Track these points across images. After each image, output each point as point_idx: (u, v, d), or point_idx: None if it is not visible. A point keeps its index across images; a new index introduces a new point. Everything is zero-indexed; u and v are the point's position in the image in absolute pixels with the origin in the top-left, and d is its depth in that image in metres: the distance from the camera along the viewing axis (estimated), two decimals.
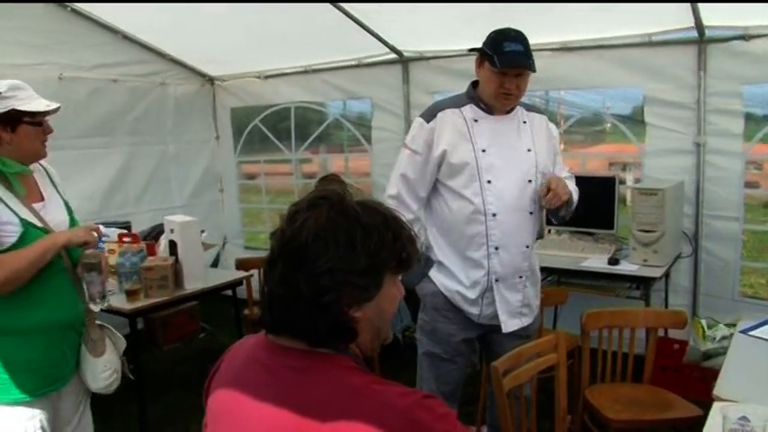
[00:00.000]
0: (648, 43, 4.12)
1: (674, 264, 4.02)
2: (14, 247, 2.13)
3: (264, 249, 6.24)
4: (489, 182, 2.55)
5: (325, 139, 6.05)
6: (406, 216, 2.66)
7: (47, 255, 2.16)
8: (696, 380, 3.64)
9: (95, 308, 2.38)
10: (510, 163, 2.59)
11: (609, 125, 4.94)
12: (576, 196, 2.73)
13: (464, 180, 2.58)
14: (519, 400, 2.32)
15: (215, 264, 6.07)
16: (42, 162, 2.40)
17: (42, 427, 2.26)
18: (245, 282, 4.32)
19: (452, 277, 2.67)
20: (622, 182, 4.40)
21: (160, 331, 5.18)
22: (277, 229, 1.18)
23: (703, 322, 3.88)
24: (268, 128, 6.02)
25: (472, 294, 2.63)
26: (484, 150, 2.57)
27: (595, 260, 3.94)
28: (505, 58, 2.45)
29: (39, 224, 2.21)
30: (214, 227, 6.04)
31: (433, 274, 2.71)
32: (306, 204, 1.16)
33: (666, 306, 4.12)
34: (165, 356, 5.02)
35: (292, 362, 1.16)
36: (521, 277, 2.66)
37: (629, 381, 3.07)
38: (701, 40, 3.91)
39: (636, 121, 4.46)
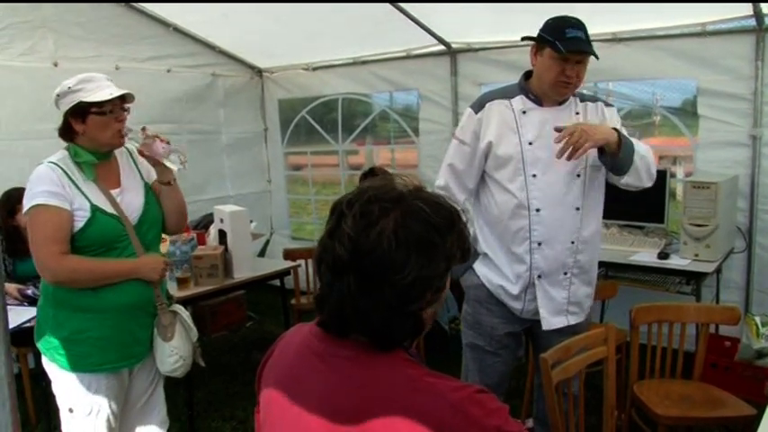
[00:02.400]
0: (703, 33, 4.01)
1: (726, 259, 3.92)
2: (81, 230, 2.26)
3: (311, 240, 6.30)
4: (534, 176, 2.50)
5: (372, 131, 6.06)
6: None
7: (116, 279, 2.33)
8: (748, 378, 3.56)
9: (174, 166, 2.47)
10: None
11: (659, 117, 4.83)
12: (643, 151, 2.50)
13: (509, 173, 2.55)
14: (567, 395, 2.30)
15: (261, 254, 6.15)
16: (128, 145, 2.51)
17: (108, 399, 2.38)
18: (292, 272, 4.37)
19: (497, 271, 2.64)
20: (672, 175, 4.31)
21: (208, 319, 5.28)
22: (336, 233, 1.12)
23: (757, 319, 3.78)
24: (315, 119, 6.07)
25: (515, 289, 2.60)
26: (531, 143, 2.52)
27: (645, 254, 3.88)
28: (569, 43, 2.39)
29: (110, 210, 2.33)
30: (261, 217, 6.12)
31: (478, 266, 2.69)
32: (377, 211, 1.10)
33: (718, 302, 4.02)
34: (212, 344, 5.11)
35: (347, 352, 1.16)
36: (566, 274, 2.59)
37: (679, 377, 3.01)
38: (760, 28, 3.80)
39: (687, 112, 4.36)
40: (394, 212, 1.10)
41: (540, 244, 2.53)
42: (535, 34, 2.54)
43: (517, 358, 2.87)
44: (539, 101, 2.57)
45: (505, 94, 2.63)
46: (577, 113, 2.59)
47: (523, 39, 2.63)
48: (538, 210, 2.51)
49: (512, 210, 2.55)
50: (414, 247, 1.08)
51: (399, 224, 1.09)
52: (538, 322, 2.65)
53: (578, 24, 2.44)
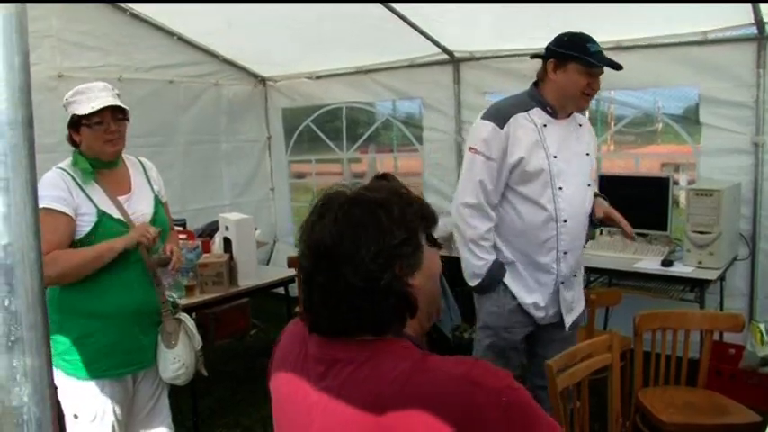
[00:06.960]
0: (704, 41, 4.03)
1: (730, 266, 3.92)
2: (88, 235, 2.29)
3: None
4: (561, 189, 2.57)
5: (375, 139, 6.07)
6: (485, 225, 2.66)
7: (103, 257, 2.29)
8: (753, 386, 3.56)
9: (171, 297, 2.54)
10: (575, 168, 2.62)
11: (661, 125, 4.85)
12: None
13: (538, 187, 2.59)
14: (571, 398, 2.31)
15: (266, 263, 6.15)
16: (141, 158, 2.61)
17: (112, 405, 2.39)
18: (296, 279, 4.37)
19: (522, 282, 2.68)
20: (675, 183, 4.32)
21: (212, 327, 5.27)
22: (300, 250, 1.20)
23: (762, 326, 3.78)
24: (319, 128, 6.09)
25: (540, 299, 2.66)
26: (555, 157, 2.58)
27: (648, 261, 3.88)
28: (598, 57, 2.47)
29: (116, 215, 2.35)
30: (264, 225, 6.13)
31: (506, 278, 2.71)
32: (316, 215, 1.17)
33: (722, 310, 4.02)
34: (216, 352, 5.11)
35: (346, 354, 1.16)
36: (575, 276, 2.72)
37: (683, 384, 3.00)
38: (762, 36, 3.81)
39: (690, 120, 4.37)
40: (334, 208, 1.15)
41: (565, 253, 2.62)
42: (538, 44, 2.58)
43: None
44: (554, 114, 2.61)
45: (521, 106, 2.63)
46: (580, 125, 2.71)
47: (545, 56, 2.62)
48: (565, 221, 2.59)
49: (541, 222, 2.61)
50: (360, 227, 1.12)
51: (339, 215, 1.13)
52: (545, 326, 2.73)
53: (594, 40, 2.52)
